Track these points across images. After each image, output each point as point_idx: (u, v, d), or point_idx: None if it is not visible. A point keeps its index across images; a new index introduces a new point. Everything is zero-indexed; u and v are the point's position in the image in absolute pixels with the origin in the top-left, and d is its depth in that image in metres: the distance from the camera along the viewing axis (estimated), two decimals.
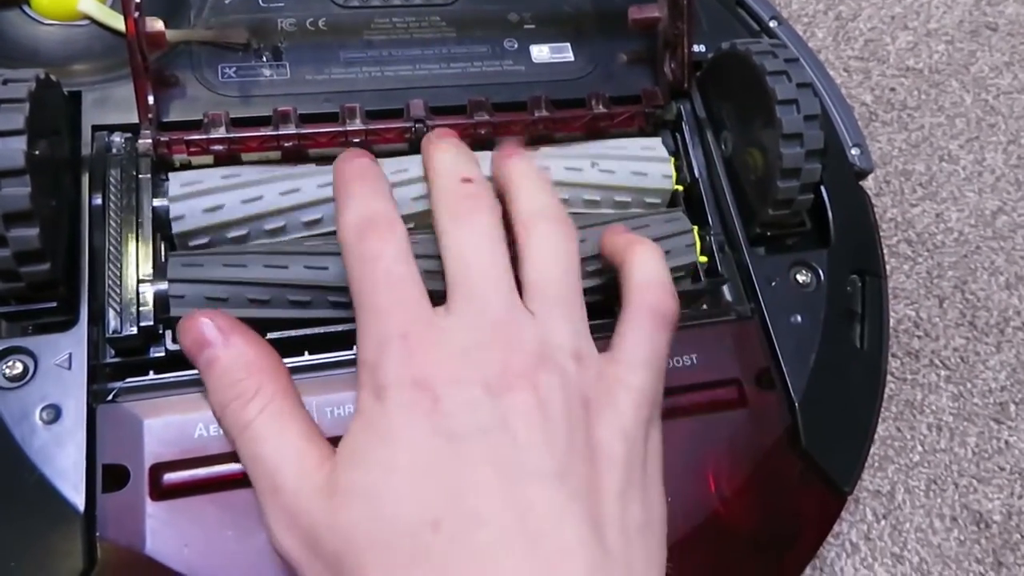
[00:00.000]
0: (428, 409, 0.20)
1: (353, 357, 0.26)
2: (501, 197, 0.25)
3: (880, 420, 0.37)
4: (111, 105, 0.28)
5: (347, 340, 0.26)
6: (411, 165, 0.28)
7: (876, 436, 0.37)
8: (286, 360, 0.25)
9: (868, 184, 0.43)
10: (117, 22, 0.30)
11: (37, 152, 0.23)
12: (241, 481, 0.23)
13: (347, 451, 0.21)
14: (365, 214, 0.23)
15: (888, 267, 0.41)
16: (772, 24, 0.36)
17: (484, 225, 0.22)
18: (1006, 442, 0.38)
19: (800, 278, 0.29)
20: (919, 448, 0.37)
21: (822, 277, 0.29)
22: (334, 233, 0.26)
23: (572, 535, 0.19)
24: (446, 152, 0.25)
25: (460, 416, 0.20)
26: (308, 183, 0.27)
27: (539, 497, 0.19)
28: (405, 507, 0.19)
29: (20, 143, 0.22)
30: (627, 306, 0.23)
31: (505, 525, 0.19)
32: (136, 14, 0.26)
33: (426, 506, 0.19)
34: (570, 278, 0.23)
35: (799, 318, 0.28)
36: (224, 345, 0.22)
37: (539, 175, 0.25)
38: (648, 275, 0.24)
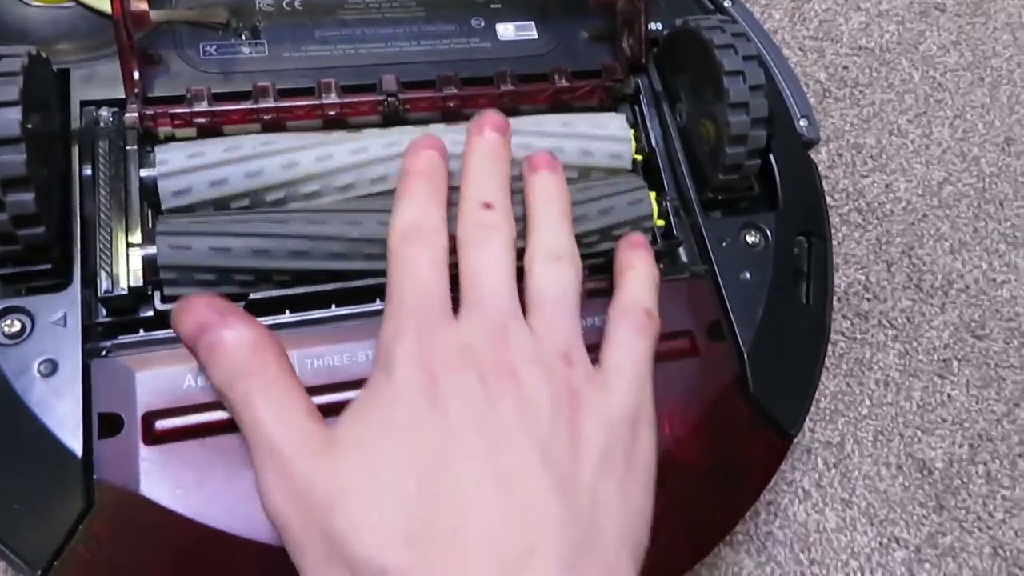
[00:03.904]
0: (428, 387, 0.22)
1: (323, 316, 0.28)
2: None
3: (831, 376, 0.40)
4: (98, 81, 0.29)
5: (327, 300, 0.28)
6: (336, 151, 0.29)
7: (827, 391, 0.39)
8: (269, 318, 0.27)
9: (821, 157, 0.46)
10: (101, 3, 0.31)
11: (30, 125, 0.25)
12: (227, 427, 0.25)
13: (350, 412, 0.23)
14: (415, 220, 0.25)
15: (840, 234, 0.44)
16: (727, 4, 0.38)
17: (497, 250, 0.25)
18: (948, 396, 0.40)
19: (749, 239, 0.31)
20: (867, 402, 0.40)
21: (770, 238, 0.31)
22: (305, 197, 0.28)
23: (544, 493, 0.21)
24: (477, 170, 0.27)
25: (454, 396, 0.22)
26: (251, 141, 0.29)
27: (516, 461, 0.21)
28: (396, 461, 0.21)
29: (16, 113, 0.24)
30: (611, 322, 0.26)
31: (482, 482, 0.21)
32: None
33: (414, 461, 0.21)
34: (568, 303, 0.25)
35: (748, 275, 0.30)
36: (226, 327, 0.23)
37: (563, 204, 0.28)
38: (633, 297, 0.27)
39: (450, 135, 0.29)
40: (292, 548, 0.21)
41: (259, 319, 0.27)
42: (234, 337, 0.23)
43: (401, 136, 0.29)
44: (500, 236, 0.26)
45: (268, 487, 0.21)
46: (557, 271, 0.26)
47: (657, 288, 0.28)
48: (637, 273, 0.28)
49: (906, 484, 0.38)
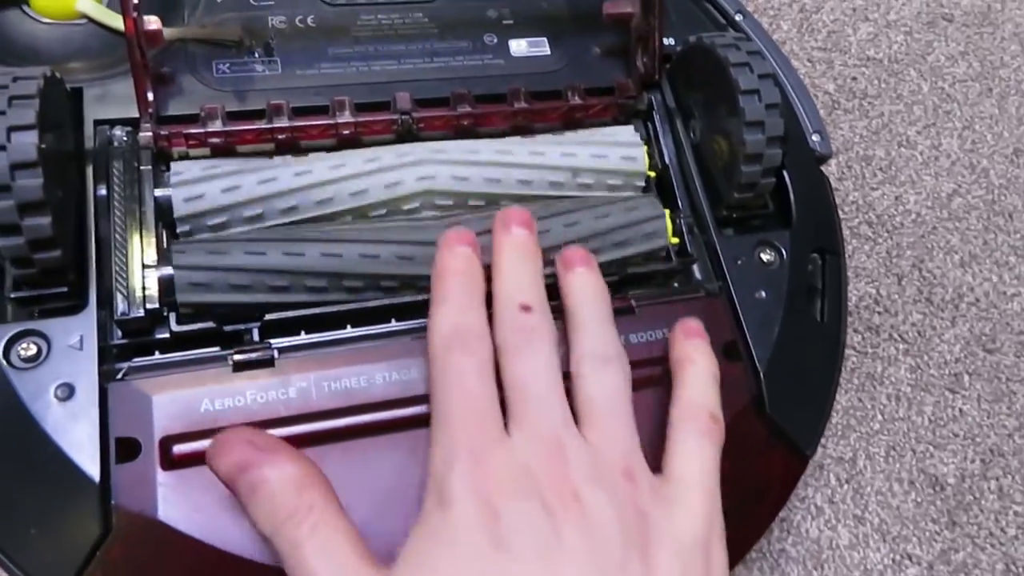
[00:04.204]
0: (489, 522, 0.21)
1: (338, 337, 0.27)
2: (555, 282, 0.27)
3: (843, 391, 0.40)
4: (111, 100, 0.29)
5: (342, 320, 0.28)
6: (348, 160, 0.29)
7: (839, 406, 0.39)
8: (285, 339, 0.27)
9: (831, 169, 0.46)
10: (113, 21, 0.31)
11: (45, 146, 0.25)
12: None
13: (408, 554, 0.22)
14: (457, 326, 0.24)
15: (850, 247, 0.44)
16: (738, 18, 0.38)
17: (542, 355, 0.24)
18: (960, 410, 0.40)
19: (764, 257, 0.31)
20: (879, 417, 0.39)
21: (785, 256, 0.31)
22: (314, 220, 0.28)
23: None
24: (509, 270, 0.26)
25: (518, 530, 0.21)
26: (285, 172, 0.29)
27: None
28: None
29: (32, 137, 0.24)
30: (674, 425, 0.25)
31: None
32: (135, 14, 0.27)
33: None
34: (620, 407, 0.24)
35: (763, 294, 0.30)
36: (268, 464, 0.22)
37: (605, 303, 0.26)
38: (695, 397, 0.26)
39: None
40: None
41: (273, 341, 0.27)
42: (278, 476, 0.22)
43: (350, 159, 0.29)
44: (543, 340, 0.24)
45: None
46: (608, 375, 0.25)
47: (718, 385, 0.27)
48: (698, 370, 0.27)
49: (918, 500, 0.38)
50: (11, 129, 0.24)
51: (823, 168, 0.35)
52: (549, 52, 0.34)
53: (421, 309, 0.28)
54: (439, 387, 0.23)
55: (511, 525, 0.21)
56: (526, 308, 0.25)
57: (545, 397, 0.24)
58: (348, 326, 0.28)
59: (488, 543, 0.21)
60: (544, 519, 0.21)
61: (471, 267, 0.26)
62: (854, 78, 0.49)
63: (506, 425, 0.23)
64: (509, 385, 0.24)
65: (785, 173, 0.33)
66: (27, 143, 0.24)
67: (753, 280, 0.31)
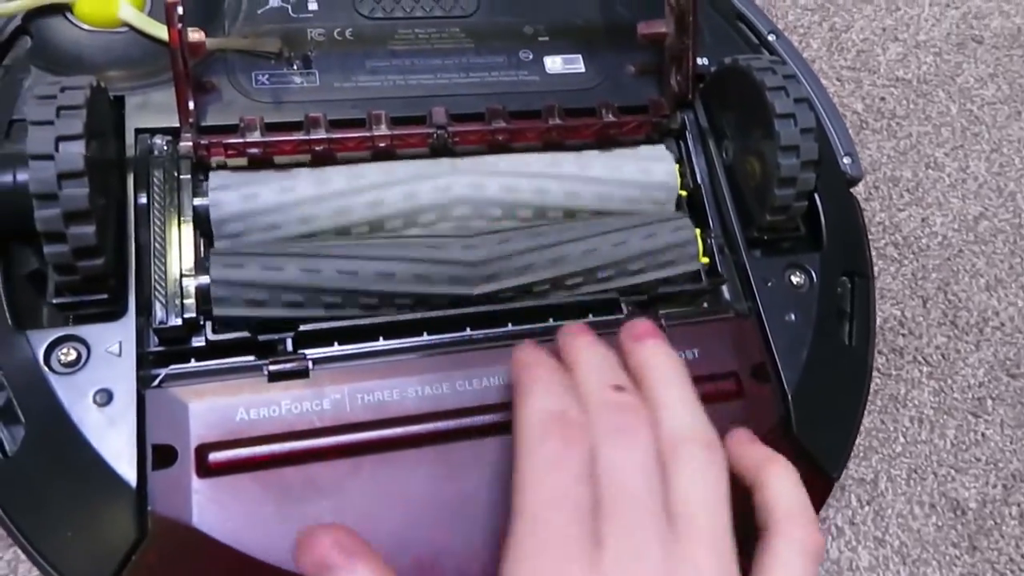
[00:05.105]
0: None
1: (371, 349, 0.28)
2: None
3: (866, 412, 0.40)
4: (152, 109, 0.30)
5: (375, 333, 0.28)
6: (368, 172, 0.30)
7: (862, 427, 0.39)
8: (319, 350, 0.27)
9: (858, 189, 0.45)
10: (154, 29, 0.31)
11: (90, 155, 0.25)
12: (279, 462, 0.25)
13: None
14: (555, 408, 0.22)
15: (876, 268, 0.43)
16: (771, 38, 0.38)
17: (644, 444, 0.22)
18: (982, 435, 0.40)
19: (794, 279, 0.31)
20: (901, 439, 0.39)
21: (814, 279, 0.31)
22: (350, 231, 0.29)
23: None
24: (591, 353, 0.24)
25: None
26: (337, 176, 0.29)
27: None
28: None
29: (80, 147, 0.24)
30: (772, 538, 0.23)
31: None
32: (179, 25, 0.28)
33: None
34: (720, 511, 0.22)
35: (793, 316, 0.30)
36: (350, 571, 0.20)
37: (682, 380, 0.24)
38: (792, 504, 0.23)
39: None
40: None
41: (307, 352, 0.27)
42: None
43: (369, 171, 0.30)
44: (644, 424, 0.22)
45: None
46: (701, 467, 0.22)
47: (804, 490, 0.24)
48: (782, 471, 0.24)
49: (939, 524, 0.38)
50: (59, 139, 0.24)
51: (852, 190, 0.35)
52: (584, 69, 0.34)
53: (454, 323, 0.29)
54: (528, 476, 0.21)
55: None
56: (619, 388, 0.23)
57: (646, 501, 0.21)
58: (380, 338, 0.28)
59: None
60: None
61: (553, 362, 0.24)
62: (883, 98, 0.49)
63: (600, 526, 0.20)
64: (605, 474, 0.21)
65: (816, 196, 0.33)
66: (74, 153, 0.24)
67: (783, 302, 0.31)
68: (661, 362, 0.24)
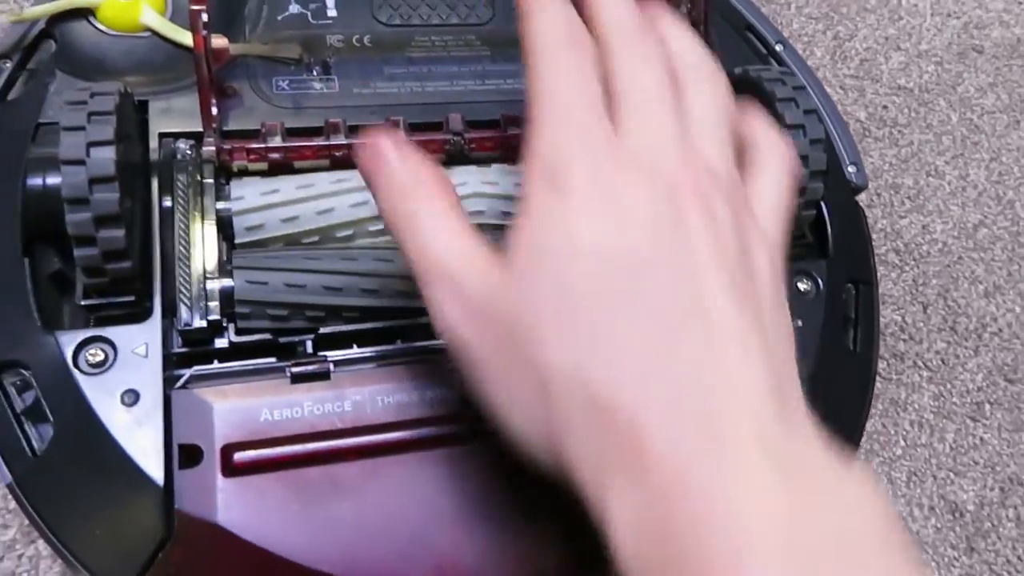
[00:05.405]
0: (611, 206, 0.20)
1: (390, 351, 0.28)
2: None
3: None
4: (175, 114, 0.30)
5: (394, 335, 0.29)
6: (352, 176, 0.30)
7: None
8: (339, 352, 0.28)
9: (861, 196, 0.46)
10: (177, 34, 0.32)
11: (119, 159, 0.26)
12: (303, 461, 0.26)
13: (520, 235, 0.21)
14: (567, 29, 0.23)
15: (878, 275, 0.44)
16: (778, 47, 0.39)
17: (657, 61, 0.23)
18: (981, 439, 0.41)
19: (801, 286, 0.32)
20: (902, 443, 0.40)
21: (821, 286, 0.32)
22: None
23: (739, 322, 0.20)
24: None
25: (640, 216, 0.20)
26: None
27: (711, 293, 0.20)
28: (587, 281, 0.20)
29: (110, 152, 0.25)
30: (760, 154, 0.25)
31: (676, 308, 0.20)
32: (204, 31, 0.28)
33: (606, 280, 0.20)
34: (723, 115, 0.24)
35: (800, 323, 0.31)
36: (400, 159, 0.23)
37: (691, 35, 0.25)
38: (777, 136, 0.25)
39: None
40: (470, 365, 0.21)
41: (328, 354, 0.28)
42: (405, 167, 0.23)
43: (353, 175, 0.30)
44: (657, 45, 0.23)
45: (440, 305, 0.21)
46: (707, 88, 0.24)
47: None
48: (770, 128, 0.26)
49: (938, 526, 0.39)
50: (91, 144, 0.25)
51: (856, 198, 0.36)
52: None
53: None
54: (545, 75, 0.22)
55: (632, 209, 0.20)
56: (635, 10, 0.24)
57: (658, 89, 0.22)
58: (399, 341, 0.29)
59: (613, 230, 0.20)
60: (667, 207, 0.20)
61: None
62: (885, 107, 0.50)
63: (618, 115, 0.22)
64: (623, 76, 0.22)
65: (823, 204, 0.33)
66: (105, 158, 0.25)
67: (790, 309, 0.31)
68: (674, 19, 0.25)
